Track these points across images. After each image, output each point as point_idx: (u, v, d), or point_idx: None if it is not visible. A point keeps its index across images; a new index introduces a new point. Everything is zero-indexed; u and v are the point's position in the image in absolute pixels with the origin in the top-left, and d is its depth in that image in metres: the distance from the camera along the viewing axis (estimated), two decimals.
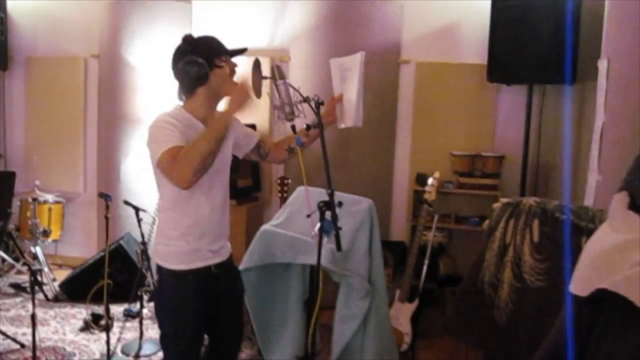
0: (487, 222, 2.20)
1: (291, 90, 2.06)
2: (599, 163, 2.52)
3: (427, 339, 3.81)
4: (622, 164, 2.26)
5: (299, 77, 4.52)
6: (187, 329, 2.10)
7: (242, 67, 2.16)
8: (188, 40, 2.07)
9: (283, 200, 3.83)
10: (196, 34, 2.14)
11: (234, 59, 2.15)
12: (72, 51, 5.12)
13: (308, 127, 2.11)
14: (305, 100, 2.07)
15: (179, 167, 1.85)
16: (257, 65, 2.10)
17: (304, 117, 2.12)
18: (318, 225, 2.12)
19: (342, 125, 2.34)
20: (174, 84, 2.13)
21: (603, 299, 1.08)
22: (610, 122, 2.43)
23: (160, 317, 2.16)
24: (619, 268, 1.07)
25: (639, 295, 0.98)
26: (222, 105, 2.19)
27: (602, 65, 2.57)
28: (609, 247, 1.19)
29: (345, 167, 4.42)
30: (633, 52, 2.24)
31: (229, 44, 2.15)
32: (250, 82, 2.04)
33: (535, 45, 3.72)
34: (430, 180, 3.68)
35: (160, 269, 2.12)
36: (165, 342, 2.17)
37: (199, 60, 2.01)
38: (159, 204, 2.16)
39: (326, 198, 2.01)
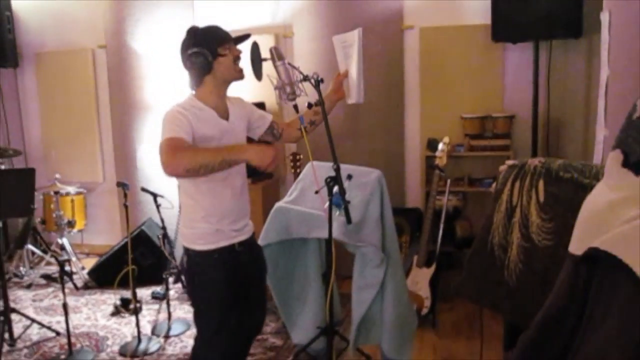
0: (493, 185, 2.22)
1: (290, 71, 2.09)
2: (606, 117, 2.51)
3: (447, 301, 3.88)
4: None
5: (304, 51, 4.53)
6: (218, 304, 2.21)
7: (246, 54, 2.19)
8: (191, 32, 2.15)
9: (296, 175, 3.88)
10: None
11: (239, 46, 2.20)
12: (79, 43, 5.18)
13: (310, 106, 2.14)
14: (305, 78, 2.10)
15: (177, 157, 1.90)
16: (255, 48, 2.12)
17: (306, 95, 2.15)
18: (327, 203, 2.18)
19: (350, 101, 2.39)
20: (182, 70, 2.20)
21: (596, 257, 1.11)
22: (614, 75, 2.42)
23: (192, 295, 2.31)
24: (610, 226, 1.10)
25: (626, 252, 1.01)
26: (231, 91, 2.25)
27: (604, 17, 2.54)
28: (602, 206, 1.21)
29: (356, 137, 4.45)
30: (633, 3, 2.20)
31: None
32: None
33: (538, 1, 3.65)
34: (440, 146, 3.70)
35: (187, 250, 2.23)
36: (198, 319, 2.29)
37: (203, 51, 2.08)
38: (179, 188, 2.25)
39: (334, 173, 2.05)
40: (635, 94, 2.29)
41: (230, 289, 2.20)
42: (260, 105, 4.42)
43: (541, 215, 1.99)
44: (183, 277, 4.07)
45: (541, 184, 2.02)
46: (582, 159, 3.94)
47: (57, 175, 4.75)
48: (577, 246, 1.25)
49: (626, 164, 1.27)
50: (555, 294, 1.31)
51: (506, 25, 3.79)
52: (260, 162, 1.95)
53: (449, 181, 3.77)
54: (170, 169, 1.92)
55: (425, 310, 3.54)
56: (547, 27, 3.67)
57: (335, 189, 2.07)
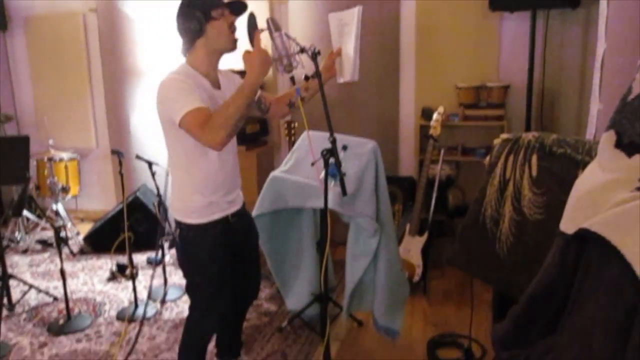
0: (487, 158, 2.24)
1: (287, 42, 2.07)
2: (600, 91, 2.52)
3: (438, 268, 3.95)
4: (622, 92, 2.28)
5: (299, 17, 4.47)
6: (213, 276, 2.23)
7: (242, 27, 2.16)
8: None
9: (291, 144, 3.89)
10: None
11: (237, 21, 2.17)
12: (69, 7, 5.09)
13: (307, 78, 2.13)
14: (303, 50, 2.08)
15: (214, 131, 1.90)
16: (252, 18, 2.10)
17: (302, 68, 2.14)
18: (322, 173, 2.20)
19: (341, 80, 2.35)
20: (175, 36, 2.17)
21: (586, 237, 1.14)
22: (611, 49, 2.41)
23: (185, 268, 2.31)
24: (601, 208, 1.13)
25: (615, 233, 1.04)
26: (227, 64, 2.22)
27: None
28: (594, 186, 1.24)
29: (351, 106, 4.44)
30: None
31: None
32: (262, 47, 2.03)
33: None
34: (434, 116, 3.71)
35: (179, 224, 2.22)
36: (192, 290, 2.32)
37: (195, 13, 2.06)
38: (170, 161, 2.24)
39: (329, 144, 2.06)
40: (631, 70, 2.29)
41: (224, 260, 2.23)
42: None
43: (533, 189, 2.02)
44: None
45: (534, 158, 2.05)
46: (575, 131, 3.99)
47: (51, 142, 4.74)
48: (568, 225, 1.29)
49: (619, 144, 1.29)
50: (545, 270, 1.35)
51: None
52: (266, 70, 2.00)
53: (442, 150, 3.80)
54: (215, 144, 1.93)
55: (416, 278, 3.62)
56: None
57: (331, 160, 2.09)
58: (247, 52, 2.00)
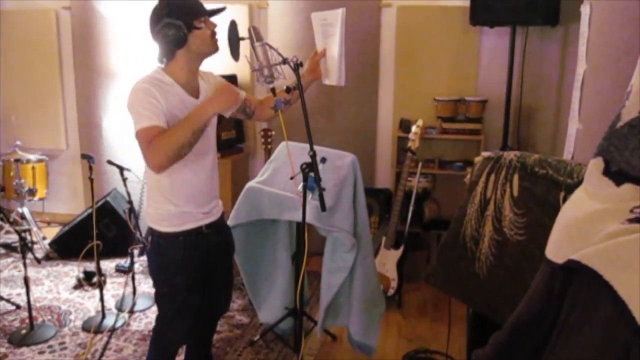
0: (468, 176, 2.22)
1: (269, 52, 2.02)
2: (580, 111, 2.53)
3: (413, 281, 3.93)
4: (602, 114, 2.28)
5: (279, 24, 4.42)
6: (181, 287, 2.16)
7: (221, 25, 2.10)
8: (163, 2, 2.02)
9: (267, 152, 3.83)
10: None
11: (214, 19, 2.10)
12: (42, 3, 4.92)
13: (288, 90, 2.09)
14: (284, 61, 2.03)
15: (154, 152, 1.85)
16: (233, 26, 2.04)
17: (284, 79, 2.09)
18: (301, 185, 2.15)
19: (327, 82, 2.30)
20: (149, 39, 2.07)
21: (575, 268, 1.12)
22: (591, 71, 2.42)
23: (154, 277, 2.23)
24: (591, 239, 1.10)
25: (607, 268, 1.02)
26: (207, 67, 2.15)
27: (585, 10, 2.53)
28: (582, 215, 1.22)
29: (329, 115, 4.40)
30: None
31: None
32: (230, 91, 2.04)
33: None
34: (413, 128, 3.69)
35: (152, 231, 2.15)
36: (160, 300, 2.25)
37: (177, 23, 1.97)
38: (146, 170, 2.16)
39: (309, 156, 2.01)
40: (611, 91, 2.31)
41: (195, 272, 2.16)
42: (232, 78, 4.32)
43: (514, 209, 2.00)
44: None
45: (516, 178, 2.03)
46: (551, 147, 4.03)
47: (18, 142, 4.58)
48: (555, 253, 1.26)
49: (607, 172, 1.27)
50: (530, 298, 1.33)
51: (484, 9, 3.76)
52: (227, 106, 2.03)
53: (420, 163, 3.78)
54: (154, 167, 1.88)
55: (391, 291, 3.59)
56: (525, 13, 3.66)
57: (311, 175, 2.04)
58: (226, 85, 2.03)
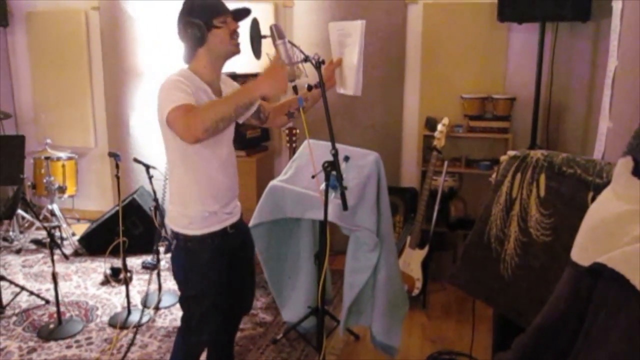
0: (493, 175, 2.17)
1: (291, 50, 2.01)
2: (610, 109, 2.46)
3: (438, 282, 3.88)
4: (634, 111, 2.21)
5: (304, 22, 4.41)
6: (210, 289, 2.15)
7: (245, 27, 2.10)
8: (187, 1, 2.06)
9: (292, 150, 3.83)
10: None
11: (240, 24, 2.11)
12: (72, 4, 5.02)
13: (310, 88, 2.08)
14: (306, 59, 2.02)
15: (191, 120, 1.79)
16: (255, 24, 2.04)
17: (306, 77, 2.08)
18: (323, 185, 2.14)
19: (342, 91, 2.29)
20: (176, 37, 2.11)
21: (601, 272, 1.08)
22: (623, 67, 2.35)
23: (182, 280, 2.21)
24: (618, 241, 1.06)
25: (635, 272, 0.98)
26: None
27: (617, 6, 2.46)
28: (609, 216, 1.17)
29: (354, 114, 4.38)
30: None
31: None
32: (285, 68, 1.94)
33: None
34: (439, 127, 3.65)
35: (176, 234, 2.13)
36: (186, 303, 2.23)
37: (196, 21, 1.99)
38: (169, 169, 2.17)
39: (331, 154, 2.00)
40: None
41: (221, 273, 2.16)
42: (255, 77, 4.32)
43: (541, 210, 1.95)
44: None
45: (543, 177, 1.98)
46: (581, 147, 3.93)
47: (48, 140, 4.68)
48: (580, 255, 1.22)
49: (636, 172, 1.23)
50: (555, 302, 1.29)
51: (513, 4, 3.68)
52: (277, 90, 1.89)
53: (446, 162, 3.73)
54: (188, 136, 1.81)
55: (416, 292, 3.55)
56: (554, 8, 3.57)
57: (333, 174, 2.03)
58: (276, 64, 1.92)
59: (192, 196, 2.10)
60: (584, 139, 3.94)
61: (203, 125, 1.79)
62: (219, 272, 2.16)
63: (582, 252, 1.21)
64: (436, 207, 3.69)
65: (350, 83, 2.22)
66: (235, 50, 2.10)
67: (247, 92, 1.90)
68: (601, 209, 1.26)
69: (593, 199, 1.76)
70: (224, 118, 1.83)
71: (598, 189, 1.76)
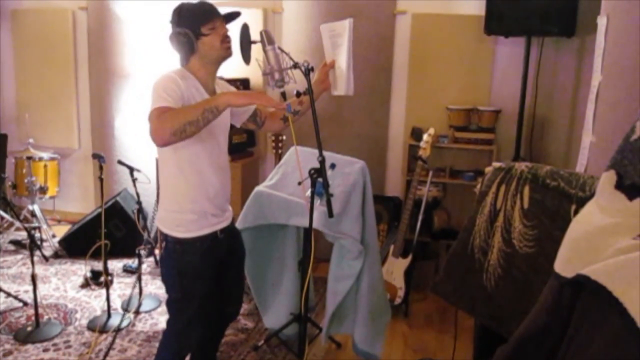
0: (478, 186, 2.19)
1: (280, 56, 2.01)
2: (594, 123, 2.50)
3: (421, 291, 3.89)
4: (616, 126, 2.25)
5: (293, 29, 4.42)
6: (197, 293, 2.15)
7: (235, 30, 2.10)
8: (176, 10, 2.08)
9: (277, 156, 3.83)
10: None
11: (230, 25, 2.11)
12: (59, 3, 4.97)
13: (298, 94, 2.08)
14: (295, 66, 2.02)
15: (161, 122, 1.82)
16: (245, 30, 2.04)
17: (295, 83, 2.09)
18: (309, 191, 2.14)
19: (336, 93, 2.30)
20: (164, 38, 2.12)
21: (583, 283, 1.09)
22: (607, 82, 2.39)
23: (169, 283, 2.21)
24: (601, 254, 1.08)
25: (617, 284, 0.99)
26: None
27: (602, 22, 2.50)
28: (592, 229, 1.19)
29: (340, 122, 4.39)
30: (633, 11, 2.17)
31: None
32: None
33: None
34: (424, 137, 3.67)
35: (166, 237, 2.14)
36: (174, 306, 2.23)
37: (185, 31, 2.02)
38: (160, 169, 2.17)
39: (318, 161, 2.00)
40: (626, 104, 2.27)
41: (209, 278, 2.15)
42: (245, 82, 4.33)
43: (524, 221, 1.97)
44: (157, 257, 4.02)
45: (527, 189, 2.00)
46: (564, 160, 3.98)
47: (31, 140, 4.61)
48: (563, 267, 1.23)
49: (619, 186, 1.25)
50: (537, 313, 1.30)
51: (500, 18, 3.74)
52: (244, 101, 1.93)
53: (431, 172, 3.75)
54: (156, 137, 1.83)
55: (398, 300, 3.55)
56: (540, 23, 3.63)
57: (319, 180, 2.03)
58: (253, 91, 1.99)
59: (181, 193, 2.10)
60: (566, 152, 3.99)
61: (172, 128, 1.82)
62: (206, 277, 2.15)
63: (565, 264, 1.23)
64: (420, 217, 3.71)
65: (341, 84, 2.23)
66: (227, 54, 2.11)
67: (214, 99, 1.92)
68: (585, 222, 1.28)
69: (576, 212, 1.78)
70: (191, 122, 1.84)
71: (581, 202, 1.79)
